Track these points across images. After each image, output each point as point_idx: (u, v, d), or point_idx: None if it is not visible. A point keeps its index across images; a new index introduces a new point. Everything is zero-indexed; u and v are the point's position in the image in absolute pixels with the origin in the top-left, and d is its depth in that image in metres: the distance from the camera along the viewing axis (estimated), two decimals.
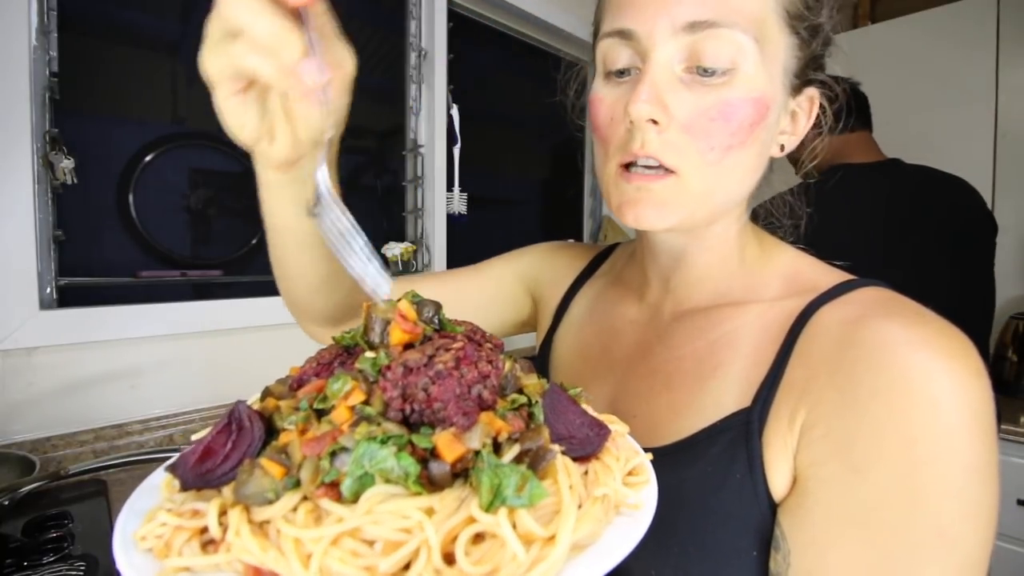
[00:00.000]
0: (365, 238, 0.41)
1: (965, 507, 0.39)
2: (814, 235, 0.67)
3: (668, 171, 0.49)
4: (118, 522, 0.32)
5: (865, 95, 1.48)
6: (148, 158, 1.30)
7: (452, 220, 1.91)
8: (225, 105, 0.40)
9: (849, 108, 0.58)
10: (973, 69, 2.19)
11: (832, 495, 0.43)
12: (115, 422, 1.19)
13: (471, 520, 0.27)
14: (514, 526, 0.27)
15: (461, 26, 1.91)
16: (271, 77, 0.36)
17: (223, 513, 0.28)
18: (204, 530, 0.29)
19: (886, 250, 1.35)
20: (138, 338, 1.23)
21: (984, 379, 0.42)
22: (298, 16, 0.36)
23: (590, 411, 0.38)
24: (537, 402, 0.36)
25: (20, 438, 1.07)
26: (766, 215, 0.68)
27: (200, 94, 1.53)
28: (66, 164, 1.10)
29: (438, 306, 0.42)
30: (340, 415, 0.32)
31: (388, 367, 0.35)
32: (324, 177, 0.42)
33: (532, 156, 2.45)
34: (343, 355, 0.40)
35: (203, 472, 0.31)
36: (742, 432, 0.48)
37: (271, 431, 0.34)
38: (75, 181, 1.13)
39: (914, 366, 0.41)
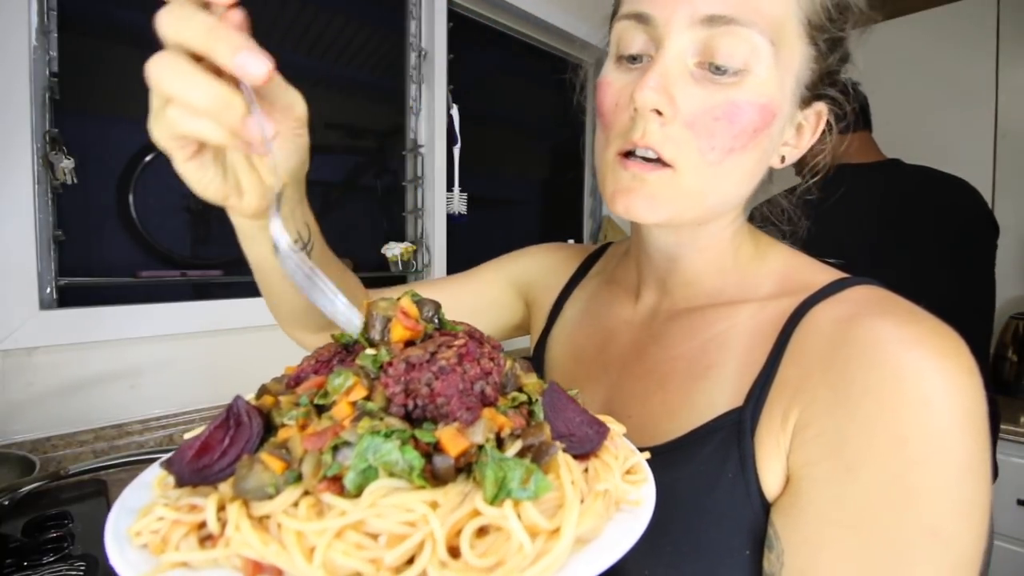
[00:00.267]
0: (325, 278, 0.42)
1: (958, 506, 0.39)
2: (813, 235, 0.67)
3: (665, 164, 0.49)
4: (110, 518, 0.31)
5: (865, 95, 1.48)
6: (148, 158, 1.30)
7: (452, 220, 1.91)
8: (184, 169, 0.41)
9: (845, 90, 0.57)
10: (973, 69, 2.19)
11: (825, 495, 0.42)
12: (115, 422, 1.19)
13: (476, 513, 0.27)
14: (519, 519, 0.27)
15: (461, 26, 1.92)
16: (218, 139, 0.36)
17: (221, 508, 0.28)
18: (202, 526, 0.28)
19: (885, 250, 1.35)
20: (138, 338, 1.23)
21: (976, 377, 0.41)
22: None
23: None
24: (537, 400, 0.36)
25: (20, 438, 1.07)
26: (762, 220, 0.68)
27: None
28: (66, 164, 1.10)
29: (437, 305, 0.42)
30: (341, 411, 0.32)
31: (390, 363, 0.35)
32: (278, 229, 0.41)
33: (532, 156, 2.45)
34: (342, 353, 0.40)
35: (200, 468, 0.30)
36: (734, 432, 0.48)
37: (269, 428, 0.33)
38: (75, 181, 1.13)
39: (906, 365, 0.41)
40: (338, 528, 0.26)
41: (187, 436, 0.33)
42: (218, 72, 0.35)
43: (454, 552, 0.26)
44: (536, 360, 0.75)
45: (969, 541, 0.40)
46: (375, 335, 0.40)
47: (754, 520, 0.47)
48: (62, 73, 1.13)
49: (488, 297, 0.82)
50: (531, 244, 0.87)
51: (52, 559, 0.80)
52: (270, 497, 0.28)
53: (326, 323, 0.65)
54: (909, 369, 0.41)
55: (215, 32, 0.33)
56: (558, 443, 0.33)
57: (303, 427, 0.32)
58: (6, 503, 0.79)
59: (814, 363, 0.46)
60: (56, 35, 1.12)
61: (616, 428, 0.41)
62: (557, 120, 2.50)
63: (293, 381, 0.38)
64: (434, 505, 0.27)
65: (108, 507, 0.99)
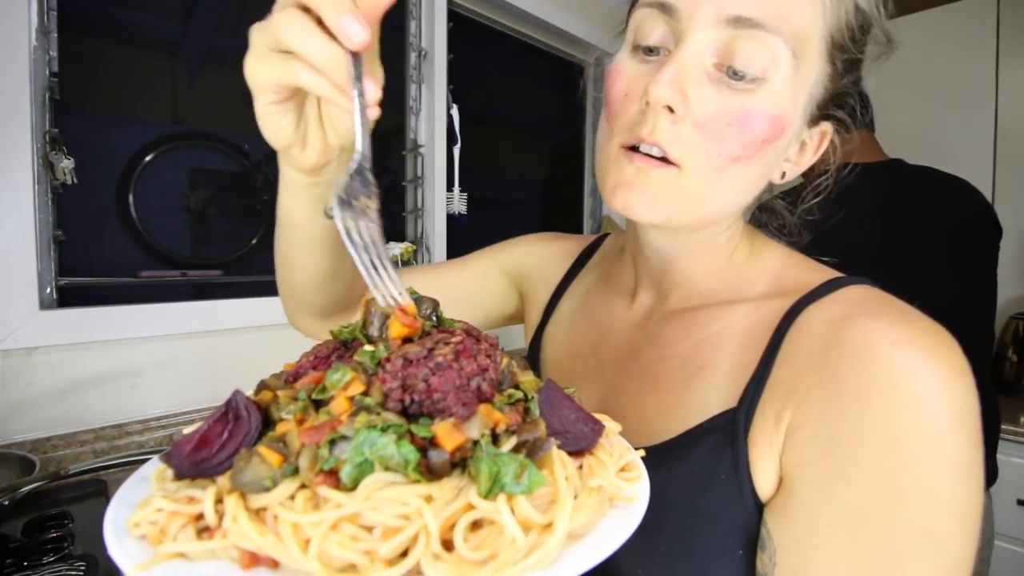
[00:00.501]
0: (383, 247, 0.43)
1: (951, 506, 0.39)
2: (815, 234, 0.66)
3: (670, 163, 0.48)
4: (109, 510, 0.31)
5: (867, 95, 1.47)
6: (148, 158, 1.30)
7: (452, 220, 1.91)
8: (264, 111, 0.43)
9: (852, 112, 0.57)
10: (973, 69, 2.19)
11: (817, 496, 0.42)
12: (115, 422, 1.19)
13: (469, 507, 0.27)
14: (512, 513, 0.27)
15: (461, 26, 1.92)
16: (326, 93, 0.39)
17: (219, 501, 0.28)
18: (199, 518, 0.28)
19: (887, 250, 1.35)
20: (138, 338, 1.23)
21: (968, 378, 0.41)
22: None
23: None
24: (533, 397, 0.37)
25: (20, 438, 1.07)
26: (757, 225, 0.67)
27: (200, 94, 1.53)
28: (66, 164, 1.11)
29: (435, 303, 0.42)
30: (339, 405, 0.32)
31: (387, 359, 0.35)
32: (344, 185, 0.42)
33: (532, 156, 2.45)
34: (340, 349, 0.40)
35: (198, 461, 0.31)
36: (727, 433, 0.48)
37: (267, 422, 0.34)
38: (75, 181, 1.13)
39: (898, 365, 0.41)
40: (334, 520, 0.26)
41: (186, 431, 0.33)
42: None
43: (448, 545, 0.27)
44: (531, 356, 0.75)
45: (962, 541, 0.40)
46: (373, 332, 0.40)
47: (747, 521, 0.47)
48: (62, 73, 1.13)
49: (479, 285, 0.81)
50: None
51: (52, 559, 0.81)
52: (267, 490, 0.29)
53: (334, 301, 0.66)
54: (901, 370, 0.41)
55: None
56: (553, 439, 0.33)
57: (301, 421, 0.32)
58: (6, 503, 0.79)
59: (807, 363, 0.46)
60: (56, 35, 1.12)
61: (612, 426, 0.41)
62: (557, 120, 2.50)
63: (292, 377, 0.38)
64: (429, 499, 0.27)
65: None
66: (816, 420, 0.43)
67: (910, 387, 0.40)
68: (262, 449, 0.29)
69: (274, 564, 0.26)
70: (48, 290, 1.14)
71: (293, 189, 0.52)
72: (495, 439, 0.32)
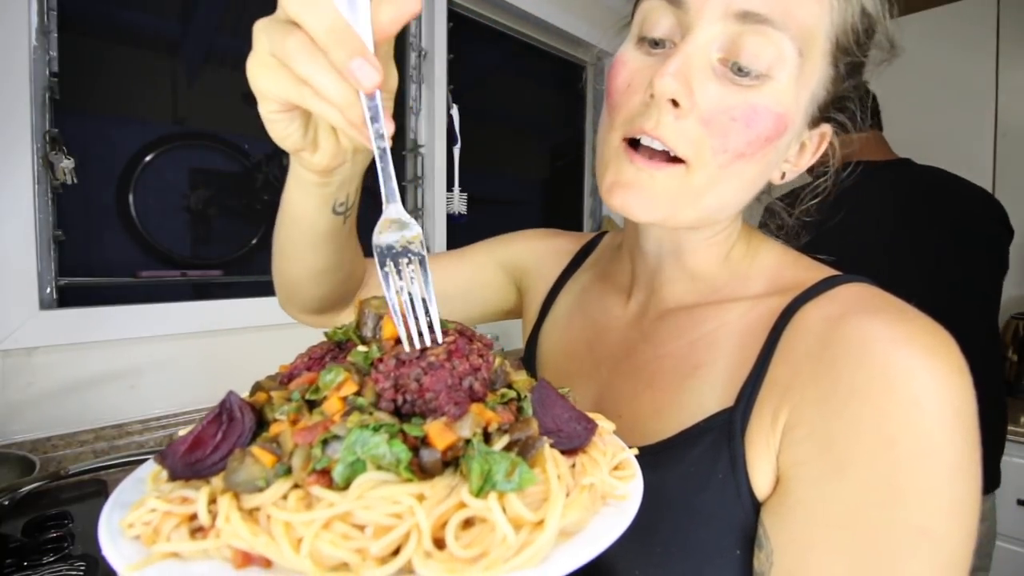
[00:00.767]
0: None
1: (948, 505, 0.39)
2: (821, 232, 0.66)
3: (677, 160, 0.47)
4: (103, 511, 0.32)
5: (875, 94, 1.46)
6: (148, 158, 1.31)
7: (452, 220, 1.91)
8: (270, 118, 0.41)
9: (864, 109, 0.56)
10: (973, 69, 2.18)
11: (814, 495, 0.42)
12: (115, 422, 1.19)
13: (461, 505, 0.28)
14: (503, 511, 0.27)
15: (461, 26, 1.92)
16: (340, 126, 0.37)
17: (212, 501, 0.29)
18: (193, 518, 0.29)
19: (894, 248, 1.35)
20: (138, 338, 1.23)
21: (966, 376, 0.41)
22: None
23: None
24: (526, 396, 0.37)
25: (20, 438, 1.08)
26: (761, 226, 0.67)
27: (200, 94, 1.53)
28: (66, 164, 1.11)
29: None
30: (332, 406, 0.32)
31: (380, 359, 0.35)
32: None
33: (532, 156, 2.46)
34: (334, 350, 0.40)
35: (192, 462, 0.31)
36: (724, 432, 0.48)
37: (262, 423, 0.34)
38: (75, 181, 1.13)
39: (895, 363, 0.41)
40: (325, 519, 0.26)
41: (181, 432, 0.33)
42: None
43: (440, 544, 0.27)
44: (528, 353, 0.75)
45: (959, 540, 0.39)
46: (367, 332, 0.40)
47: (744, 520, 0.47)
48: (62, 73, 1.13)
49: (476, 279, 0.81)
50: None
51: (52, 559, 0.81)
52: (260, 490, 0.29)
53: (329, 293, 0.66)
54: (898, 368, 0.40)
55: (337, 33, 0.33)
56: (545, 438, 0.33)
57: (294, 422, 0.32)
58: (6, 503, 0.80)
59: (804, 362, 0.45)
60: (56, 35, 1.12)
61: (605, 425, 0.41)
62: (557, 120, 2.50)
63: (286, 378, 0.38)
64: (420, 497, 0.28)
65: None
66: (813, 419, 0.43)
67: (907, 385, 0.40)
68: (255, 450, 0.30)
69: (267, 563, 0.26)
70: (48, 290, 1.15)
71: (302, 186, 0.51)
72: (487, 438, 0.32)
